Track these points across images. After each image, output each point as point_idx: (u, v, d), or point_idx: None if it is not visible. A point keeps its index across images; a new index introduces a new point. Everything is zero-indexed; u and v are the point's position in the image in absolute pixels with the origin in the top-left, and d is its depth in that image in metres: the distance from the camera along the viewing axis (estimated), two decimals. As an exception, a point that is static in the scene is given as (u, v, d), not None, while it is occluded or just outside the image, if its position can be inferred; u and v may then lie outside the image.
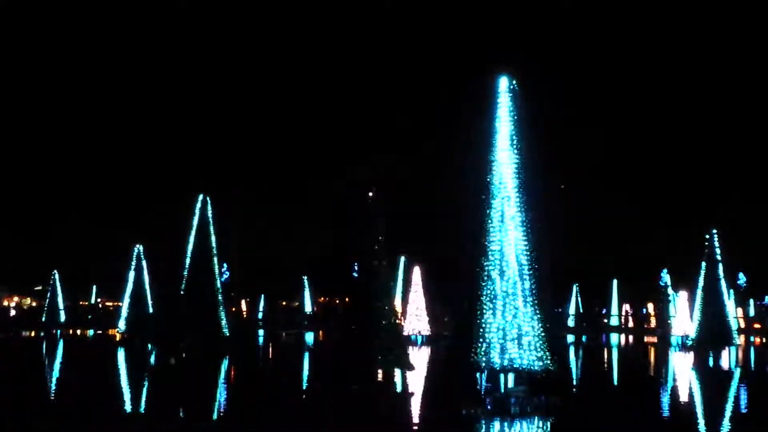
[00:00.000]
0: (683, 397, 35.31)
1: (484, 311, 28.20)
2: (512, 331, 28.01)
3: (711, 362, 53.96)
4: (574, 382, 39.42)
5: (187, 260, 56.15)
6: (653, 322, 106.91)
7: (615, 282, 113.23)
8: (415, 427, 26.87)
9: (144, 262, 70.78)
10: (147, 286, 70.64)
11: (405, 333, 60.94)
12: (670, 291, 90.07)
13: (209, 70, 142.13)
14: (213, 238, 56.96)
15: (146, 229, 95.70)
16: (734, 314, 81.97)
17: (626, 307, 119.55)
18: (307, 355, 56.86)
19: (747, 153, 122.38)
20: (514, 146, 29.25)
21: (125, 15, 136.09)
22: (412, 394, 32.74)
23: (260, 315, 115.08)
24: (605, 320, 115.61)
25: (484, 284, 28.48)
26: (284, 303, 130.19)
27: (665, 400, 34.78)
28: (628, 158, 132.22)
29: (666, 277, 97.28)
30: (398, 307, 55.75)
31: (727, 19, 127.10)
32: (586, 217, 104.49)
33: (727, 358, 56.97)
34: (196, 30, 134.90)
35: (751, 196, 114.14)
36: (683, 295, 69.90)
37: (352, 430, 25.64)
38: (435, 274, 74.39)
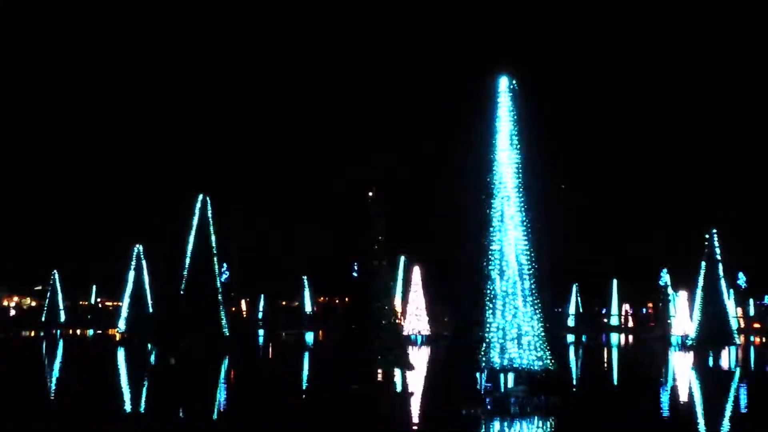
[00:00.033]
0: (683, 397, 35.31)
1: (484, 311, 28.21)
2: (512, 330, 28.04)
3: (711, 362, 53.96)
4: (574, 382, 39.42)
5: (187, 260, 56.20)
6: (653, 322, 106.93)
7: (615, 282, 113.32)
8: (415, 427, 26.86)
9: (144, 262, 70.89)
10: (147, 286, 70.73)
11: (405, 333, 61.04)
12: (670, 291, 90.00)
13: (209, 70, 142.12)
14: (213, 238, 57.02)
15: (146, 229, 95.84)
16: (734, 314, 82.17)
17: (626, 307, 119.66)
18: (307, 355, 56.83)
19: (747, 153, 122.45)
20: (514, 146, 29.27)
21: (125, 15, 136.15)
22: (412, 394, 32.70)
23: (260, 315, 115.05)
24: (605, 320, 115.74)
25: (484, 284, 28.49)
26: (284, 303, 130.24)
27: (665, 399, 34.77)
28: (628, 158, 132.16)
29: (666, 277, 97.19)
30: (398, 307, 55.79)
31: (726, 19, 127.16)
32: (586, 217, 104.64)
33: (726, 358, 56.98)
34: (196, 30, 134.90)
35: (751, 196, 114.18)
36: (683, 294, 69.99)
37: (352, 430, 25.60)
38: (435, 274, 74.49)
